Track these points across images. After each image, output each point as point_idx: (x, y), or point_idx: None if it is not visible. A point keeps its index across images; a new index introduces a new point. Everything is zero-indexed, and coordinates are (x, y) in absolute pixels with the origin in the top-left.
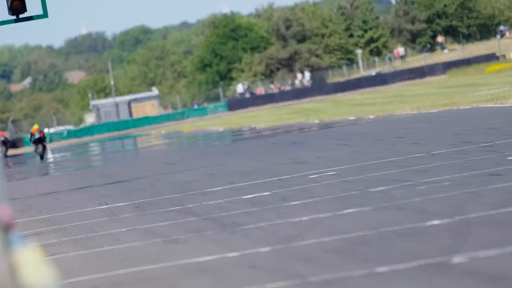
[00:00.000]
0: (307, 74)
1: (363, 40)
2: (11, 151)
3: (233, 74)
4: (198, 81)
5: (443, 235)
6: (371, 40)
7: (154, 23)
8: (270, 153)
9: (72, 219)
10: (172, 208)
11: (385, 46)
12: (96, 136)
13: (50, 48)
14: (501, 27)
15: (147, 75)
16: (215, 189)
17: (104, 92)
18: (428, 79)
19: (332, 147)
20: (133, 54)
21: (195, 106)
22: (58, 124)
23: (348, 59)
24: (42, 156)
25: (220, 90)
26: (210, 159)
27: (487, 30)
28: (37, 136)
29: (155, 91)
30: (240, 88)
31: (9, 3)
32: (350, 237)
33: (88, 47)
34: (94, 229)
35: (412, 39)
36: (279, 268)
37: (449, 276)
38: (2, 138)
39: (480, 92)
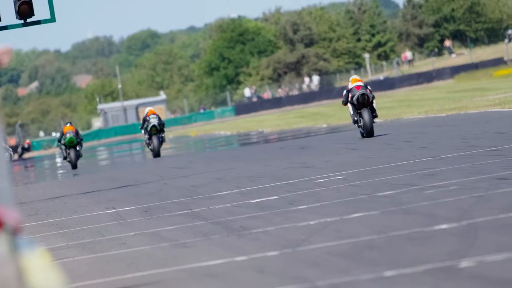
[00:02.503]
0: (316, 78)
1: (370, 44)
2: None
3: (241, 78)
4: (206, 85)
5: (451, 239)
6: (379, 44)
7: (162, 27)
8: (278, 157)
9: (80, 223)
10: (179, 212)
11: (392, 50)
12: (104, 140)
13: (57, 52)
14: (509, 31)
15: (155, 79)
16: (222, 193)
17: (111, 96)
18: (435, 83)
19: (339, 151)
20: (141, 58)
21: (201, 111)
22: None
23: (356, 63)
24: None
25: (227, 94)
26: (218, 163)
27: (495, 35)
28: None
29: (162, 95)
30: (247, 92)
31: (17, 7)
32: (358, 241)
33: (95, 51)
34: (102, 233)
35: (420, 44)
36: (287, 272)
37: (456, 280)
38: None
39: (487, 97)
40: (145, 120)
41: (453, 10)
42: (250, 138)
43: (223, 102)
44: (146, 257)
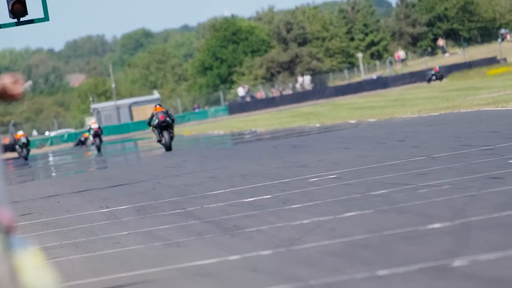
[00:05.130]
0: (307, 78)
1: (364, 44)
2: (9, 154)
3: (234, 78)
4: (199, 84)
5: (444, 238)
6: (372, 44)
7: (155, 26)
8: (271, 156)
9: (73, 222)
10: (173, 211)
11: (386, 49)
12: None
13: (51, 51)
14: (502, 31)
15: (148, 78)
16: (216, 192)
17: (105, 95)
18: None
19: (333, 150)
20: (134, 58)
21: (196, 110)
22: (59, 128)
23: (349, 63)
24: None
25: (220, 93)
26: (211, 163)
27: (488, 34)
28: None
29: (156, 94)
30: (241, 91)
31: (10, 6)
32: (351, 240)
33: (88, 50)
34: (95, 232)
35: (413, 43)
36: (280, 271)
37: (449, 279)
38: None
39: (481, 96)
40: (16, 140)
41: (446, 9)
42: (244, 137)
43: (217, 102)
44: (140, 256)
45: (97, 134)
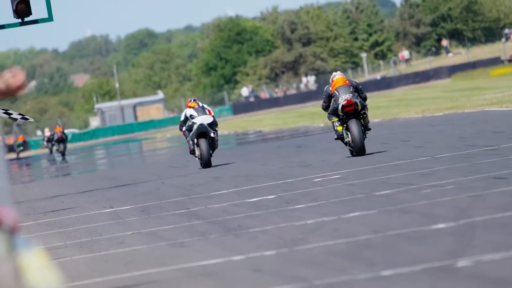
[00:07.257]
0: (311, 78)
1: (368, 44)
2: (11, 155)
3: (238, 78)
4: (203, 84)
5: (448, 238)
6: (376, 44)
7: (159, 27)
8: (275, 156)
9: (77, 222)
10: (177, 212)
11: (390, 49)
12: (101, 140)
13: (55, 52)
14: (506, 30)
15: (152, 79)
16: (220, 192)
17: (109, 95)
18: (433, 82)
19: (336, 150)
20: (138, 58)
21: None
22: (63, 128)
23: (353, 63)
24: None
25: (225, 93)
26: (215, 163)
27: (492, 34)
28: None
29: (160, 94)
30: (245, 91)
31: (14, 6)
32: (355, 240)
33: (92, 50)
34: (99, 232)
35: (417, 43)
36: (284, 271)
37: (454, 279)
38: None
39: (485, 96)
40: None
41: (450, 9)
42: (248, 137)
43: (221, 102)
44: (144, 256)
45: (50, 140)
